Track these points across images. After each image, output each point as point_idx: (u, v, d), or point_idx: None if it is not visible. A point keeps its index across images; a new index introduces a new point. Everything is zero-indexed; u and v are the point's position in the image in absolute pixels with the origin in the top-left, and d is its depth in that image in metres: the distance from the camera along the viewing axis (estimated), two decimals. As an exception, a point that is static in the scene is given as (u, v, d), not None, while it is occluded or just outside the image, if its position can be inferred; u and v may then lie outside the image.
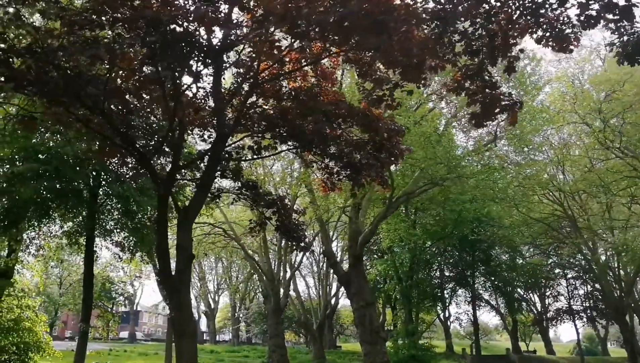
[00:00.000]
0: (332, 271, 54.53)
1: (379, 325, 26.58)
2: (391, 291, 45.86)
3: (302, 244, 14.81)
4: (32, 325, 25.19)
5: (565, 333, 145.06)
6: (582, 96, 28.43)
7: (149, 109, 13.84)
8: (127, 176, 19.56)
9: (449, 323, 62.88)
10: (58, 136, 18.21)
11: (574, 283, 55.88)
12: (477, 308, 53.13)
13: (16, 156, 18.66)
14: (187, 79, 20.43)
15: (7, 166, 19.07)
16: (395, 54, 9.76)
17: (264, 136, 13.09)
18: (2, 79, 11.17)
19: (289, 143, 13.65)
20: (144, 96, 13.57)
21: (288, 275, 43.26)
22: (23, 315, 25.15)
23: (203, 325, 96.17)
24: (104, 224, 21.20)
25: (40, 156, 18.31)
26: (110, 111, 13.06)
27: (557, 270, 55.08)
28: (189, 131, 14.54)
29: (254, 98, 13.82)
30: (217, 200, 14.82)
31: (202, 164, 15.49)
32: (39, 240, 22.56)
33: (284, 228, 14.56)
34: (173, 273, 13.04)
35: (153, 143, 14.11)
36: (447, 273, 52.71)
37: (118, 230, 21.23)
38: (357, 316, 25.85)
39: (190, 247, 12.74)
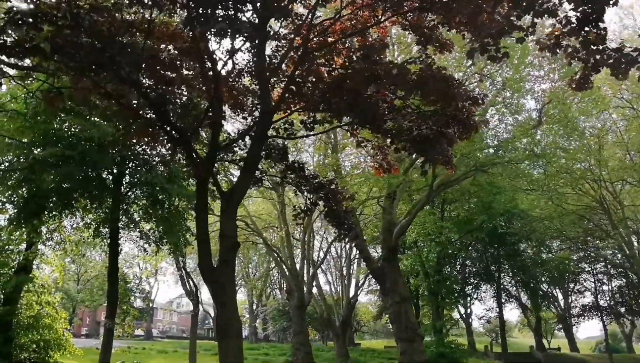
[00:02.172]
0: (354, 266, 53.66)
1: (416, 321, 25.14)
2: (417, 287, 44.37)
3: (353, 232, 13.46)
4: (52, 322, 24.21)
5: (582, 330, 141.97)
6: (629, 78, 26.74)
7: (185, 84, 12.53)
8: (156, 161, 18.37)
9: (470, 320, 61.31)
10: (82, 119, 16.95)
11: (601, 278, 54.11)
12: (499, 303, 51.55)
13: (37, 143, 17.45)
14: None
15: (24, 153, 17.89)
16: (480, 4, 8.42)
17: (317, 109, 11.72)
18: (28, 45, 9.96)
19: (339, 120, 12.24)
20: (180, 69, 12.34)
21: (311, 270, 41.91)
22: (42, 312, 24.17)
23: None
24: (129, 214, 19.92)
25: (63, 141, 17.09)
26: (145, 85, 11.83)
27: (582, 265, 53.43)
28: (226, 110, 13.29)
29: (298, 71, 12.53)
30: (260, 184, 13.49)
31: (236, 148, 14.27)
32: (59, 233, 21.37)
33: (333, 214, 13.21)
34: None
35: (190, 121, 12.78)
36: (472, 269, 51.17)
37: (145, 221, 19.93)
38: (393, 312, 24.45)
39: (235, 235, 11.47)
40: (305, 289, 38.76)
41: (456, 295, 47.70)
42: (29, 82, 16.49)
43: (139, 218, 19.89)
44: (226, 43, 11.90)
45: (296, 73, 11.77)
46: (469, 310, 58.86)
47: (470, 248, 47.55)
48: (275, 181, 14.76)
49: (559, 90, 23.16)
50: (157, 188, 18.28)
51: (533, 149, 22.91)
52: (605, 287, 54.27)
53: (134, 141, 16.58)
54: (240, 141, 13.37)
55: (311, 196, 13.42)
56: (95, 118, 16.60)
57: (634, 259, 38.05)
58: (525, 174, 25.11)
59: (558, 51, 8.46)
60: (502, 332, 49.57)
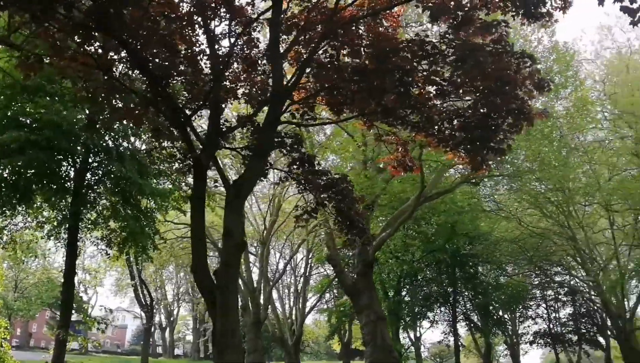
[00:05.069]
0: (308, 283, 51.97)
1: (391, 342, 23.76)
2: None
3: (365, 236, 11.99)
4: (-12, 331, 21.61)
5: (523, 359, 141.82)
6: (614, 98, 26.66)
7: (188, 58, 10.86)
8: (129, 153, 16.45)
9: (420, 343, 60.15)
10: (51, 101, 14.90)
11: (554, 305, 54.07)
12: (455, 328, 50.56)
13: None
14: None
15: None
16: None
17: (349, 91, 10.23)
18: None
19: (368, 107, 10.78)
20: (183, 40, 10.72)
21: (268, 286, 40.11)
22: (-22, 320, 21.55)
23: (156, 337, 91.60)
24: (95, 210, 17.81)
25: (26, 126, 14.96)
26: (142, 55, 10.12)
27: (534, 291, 53.35)
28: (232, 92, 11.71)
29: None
30: (265, 177, 11.86)
31: (237, 134, 12.69)
32: (7, 233, 18.92)
33: (344, 217, 11.71)
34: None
35: (190, 100, 11.14)
36: (426, 290, 50.16)
37: (112, 219, 17.78)
38: (367, 332, 22.89)
39: (241, 233, 9.86)
40: (261, 305, 36.99)
41: (415, 315, 46.74)
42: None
43: (106, 215, 17.71)
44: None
45: (318, 52, 10.34)
46: (418, 334, 57.73)
47: (427, 269, 46.68)
48: (280, 176, 13.07)
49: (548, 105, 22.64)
50: (130, 183, 16.24)
51: (524, 164, 22.19)
52: (555, 314, 54.36)
53: (107, 127, 14.81)
54: (242, 128, 11.78)
55: (318, 194, 11.89)
56: (68, 99, 14.60)
57: (605, 282, 37.59)
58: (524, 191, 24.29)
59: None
60: (457, 357, 48.64)
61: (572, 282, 48.25)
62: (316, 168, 11.67)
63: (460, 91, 9.56)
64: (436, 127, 10.04)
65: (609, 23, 65.28)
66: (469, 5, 9.92)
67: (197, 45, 11.36)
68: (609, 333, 45.31)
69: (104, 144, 16.49)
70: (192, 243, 10.34)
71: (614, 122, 27.64)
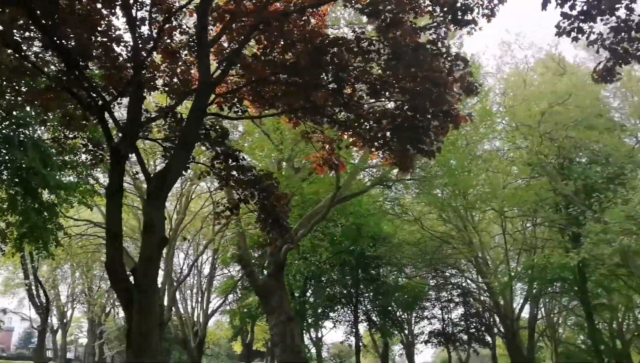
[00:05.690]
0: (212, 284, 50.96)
1: (300, 343, 23.70)
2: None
3: (289, 236, 11.79)
4: None
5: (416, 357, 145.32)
6: (512, 110, 28.21)
7: (109, 39, 10.20)
8: (31, 142, 15.19)
9: (321, 343, 60.60)
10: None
11: (447, 306, 56.15)
12: (356, 329, 51.32)
13: None
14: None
15: None
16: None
17: (279, 86, 10.00)
18: None
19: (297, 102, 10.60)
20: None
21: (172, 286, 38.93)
22: None
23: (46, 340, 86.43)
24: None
25: None
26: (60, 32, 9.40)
27: (430, 292, 55.15)
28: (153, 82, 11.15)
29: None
30: (186, 171, 11.34)
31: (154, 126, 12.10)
32: None
33: (268, 214, 11.44)
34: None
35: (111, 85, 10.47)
36: (330, 291, 50.63)
37: (9, 213, 16.33)
38: (277, 333, 22.70)
39: (163, 228, 9.39)
40: (165, 306, 35.79)
41: (315, 317, 47.01)
42: None
43: (2, 208, 16.27)
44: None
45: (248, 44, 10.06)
46: (320, 334, 58.14)
47: (332, 270, 47.08)
48: (202, 169, 12.61)
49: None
50: (32, 174, 14.96)
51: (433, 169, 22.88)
52: (448, 315, 56.51)
53: (8, 112, 13.74)
54: (163, 119, 11.24)
55: (241, 191, 11.57)
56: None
57: (497, 284, 39.37)
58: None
59: (580, 37, 7.65)
60: (358, 357, 49.44)
61: (464, 284, 50.50)
62: (241, 164, 11.34)
63: (392, 90, 9.62)
64: (365, 126, 10.04)
65: (509, 40, 69.09)
66: (397, 7, 9.99)
67: (114, 31, 10.76)
68: (495, 332, 48.01)
69: (4, 131, 15.18)
70: (107, 239, 9.75)
71: (511, 133, 29.37)
